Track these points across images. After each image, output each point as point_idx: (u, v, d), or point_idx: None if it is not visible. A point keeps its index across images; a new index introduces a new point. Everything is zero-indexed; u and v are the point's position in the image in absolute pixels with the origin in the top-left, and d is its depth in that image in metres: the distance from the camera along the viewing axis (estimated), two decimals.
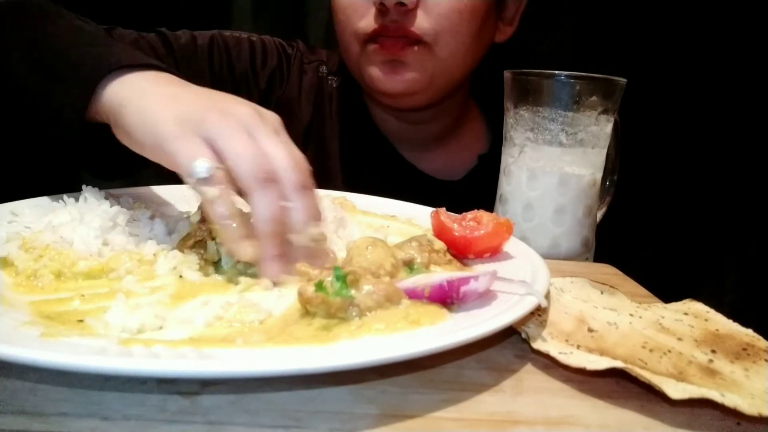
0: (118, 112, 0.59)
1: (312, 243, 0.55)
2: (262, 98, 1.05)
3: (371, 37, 0.94)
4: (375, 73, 0.96)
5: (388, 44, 0.93)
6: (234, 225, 0.53)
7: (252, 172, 0.52)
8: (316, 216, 0.55)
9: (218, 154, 0.53)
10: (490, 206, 0.69)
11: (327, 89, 1.11)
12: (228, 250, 0.55)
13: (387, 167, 1.10)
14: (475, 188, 1.08)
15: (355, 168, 1.08)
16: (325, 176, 0.92)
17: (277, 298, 0.52)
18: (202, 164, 0.52)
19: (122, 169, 0.78)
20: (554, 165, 0.77)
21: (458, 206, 0.70)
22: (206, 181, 0.52)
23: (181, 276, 0.55)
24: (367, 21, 0.94)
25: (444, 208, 0.67)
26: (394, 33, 0.92)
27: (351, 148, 1.09)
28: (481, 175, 1.10)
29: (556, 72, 0.76)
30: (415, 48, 0.93)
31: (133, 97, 0.59)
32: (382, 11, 0.91)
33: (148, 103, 0.58)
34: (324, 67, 1.12)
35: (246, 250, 0.53)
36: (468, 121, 1.16)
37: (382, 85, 0.97)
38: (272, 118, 0.60)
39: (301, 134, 1.08)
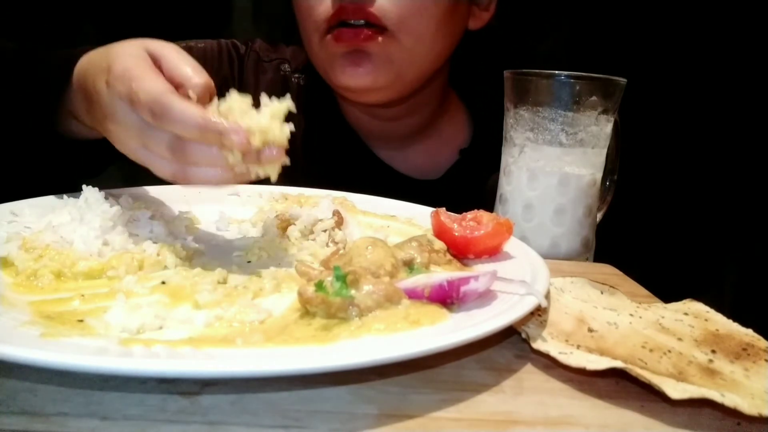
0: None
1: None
2: None
3: (330, 27, 0.88)
4: (336, 66, 0.90)
5: (348, 35, 0.87)
6: None
7: None
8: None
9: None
10: (473, 204, 0.67)
11: (292, 88, 1.05)
12: None
13: (361, 170, 1.04)
14: (456, 186, 1.04)
15: (327, 172, 1.01)
16: (293, 181, 0.86)
17: (277, 298, 0.52)
18: None
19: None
20: (554, 165, 0.77)
21: (440, 207, 0.69)
22: None
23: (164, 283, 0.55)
24: (325, 5, 0.88)
25: (444, 208, 0.67)
26: (353, 16, 0.86)
27: (322, 150, 1.04)
28: (463, 172, 1.06)
29: (556, 72, 0.76)
30: (379, 39, 0.87)
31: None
32: None
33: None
34: (287, 65, 1.06)
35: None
36: (448, 112, 1.09)
37: (344, 80, 0.90)
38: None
39: None
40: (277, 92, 1.04)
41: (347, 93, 0.96)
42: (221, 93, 1.01)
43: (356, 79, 0.90)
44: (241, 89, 1.03)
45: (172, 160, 0.56)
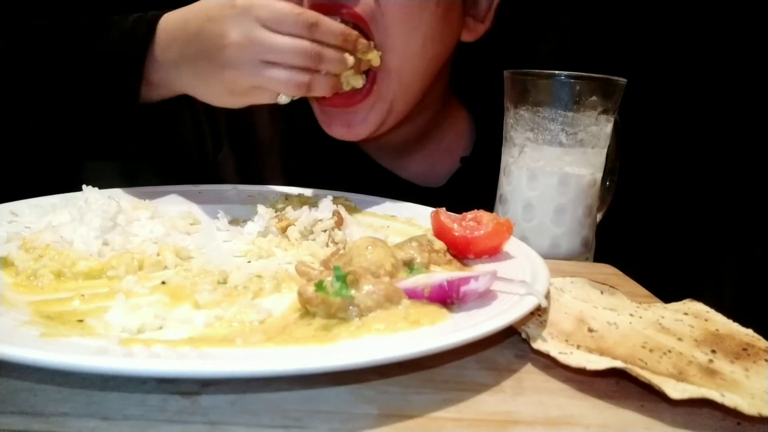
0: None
1: None
2: (209, 110, 0.96)
3: None
4: (324, 122, 0.89)
5: (339, 101, 0.84)
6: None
7: None
8: None
9: None
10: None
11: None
12: None
13: (363, 176, 1.01)
14: (459, 194, 1.01)
15: (327, 178, 0.97)
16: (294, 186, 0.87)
17: (277, 298, 0.52)
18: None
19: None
20: (554, 165, 0.77)
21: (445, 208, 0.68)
22: None
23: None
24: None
25: (444, 208, 0.67)
26: (335, 9, 0.80)
27: (322, 158, 1.01)
28: (465, 179, 1.04)
29: (556, 72, 0.76)
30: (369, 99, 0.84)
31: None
32: None
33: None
34: None
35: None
36: (449, 118, 1.06)
37: (336, 135, 0.89)
38: None
39: (264, 145, 1.02)
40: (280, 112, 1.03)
41: None
42: None
43: (349, 137, 0.89)
44: None
45: (302, 73, 0.70)
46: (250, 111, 1.02)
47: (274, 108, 1.02)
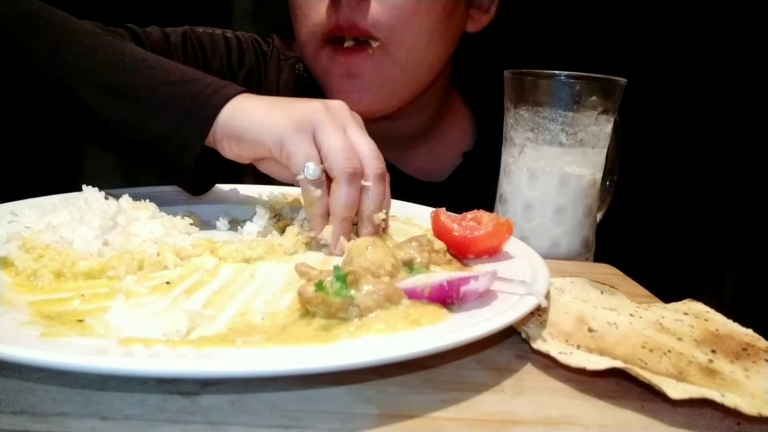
0: (225, 126, 0.66)
1: (374, 224, 0.65)
2: None
3: (326, 40, 0.89)
4: (332, 86, 0.91)
5: (341, 57, 0.88)
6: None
7: (342, 167, 0.62)
8: (386, 203, 0.66)
9: (318, 146, 0.63)
10: (478, 208, 0.67)
11: (303, 87, 1.05)
12: (317, 238, 0.66)
13: None
14: (461, 189, 1.03)
15: None
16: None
17: (277, 298, 0.52)
18: (313, 168, 0.63)
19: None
20: (554, 165, 0.77)
21: (445, 208, 0.69)
22: (314, 181, 0.63)
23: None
24: (321, 16, 0.88)
25: (444, 208, 0.67)
26: (347, 33, 0.86)
27: None
28: (467, 175, 1.05)
29: (556, 72, 0.76)
30: (369, 51, 0.87)
31: (237, 110, 0.66)
32: (334, 3, 0.85)
33: (257, 110, 0.66)
34: (300, 64, 1.06)
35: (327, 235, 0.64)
36: (451, 113, 1.08)
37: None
38: (358, 115, 0.69)
39: None
40: (291, 91, 1.04)
41: None
42: (245, 86, 1.00)
43: (350, 105, 0.89)
44: (264, 87, 1.03)
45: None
46: None
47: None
